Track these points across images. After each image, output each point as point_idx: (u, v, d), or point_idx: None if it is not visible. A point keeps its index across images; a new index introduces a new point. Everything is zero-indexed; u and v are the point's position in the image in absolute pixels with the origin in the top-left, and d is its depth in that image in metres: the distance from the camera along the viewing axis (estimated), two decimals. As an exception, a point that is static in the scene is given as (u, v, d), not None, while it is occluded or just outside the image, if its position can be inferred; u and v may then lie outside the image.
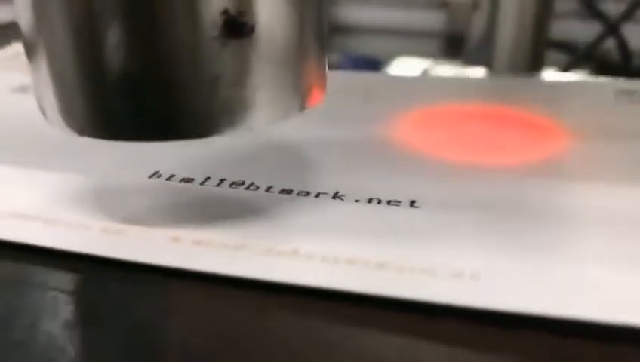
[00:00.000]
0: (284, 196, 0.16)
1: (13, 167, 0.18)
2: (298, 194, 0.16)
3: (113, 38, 0.11)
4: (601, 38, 0.43)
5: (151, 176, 0.17)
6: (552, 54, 0.44)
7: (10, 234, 0.14)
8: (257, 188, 0.16)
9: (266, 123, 0.13)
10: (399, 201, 0.15)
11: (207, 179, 0.17)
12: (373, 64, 0.65)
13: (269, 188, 0.16)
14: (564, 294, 0.11)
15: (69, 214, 0.15)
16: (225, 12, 0.12)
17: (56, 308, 0.12)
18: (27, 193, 0.16)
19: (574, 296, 0.11)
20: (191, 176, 0.17)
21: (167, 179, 0.17)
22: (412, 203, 0.15)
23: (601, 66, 0.46)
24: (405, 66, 0.44)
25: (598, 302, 0.11)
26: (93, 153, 0.18)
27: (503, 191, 0.16)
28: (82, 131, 0.13)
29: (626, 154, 0.19)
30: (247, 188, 0.16)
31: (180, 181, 0.17)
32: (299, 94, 0.14)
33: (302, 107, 0.14)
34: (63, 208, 0.15)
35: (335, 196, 0.16)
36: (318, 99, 0.14)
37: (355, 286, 0.12)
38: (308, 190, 0.16)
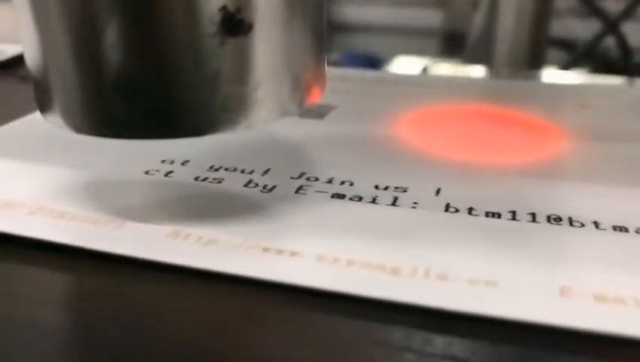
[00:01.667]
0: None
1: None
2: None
3: (111, 35, 0.11)
4: (600, 36, 0.43)
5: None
6: (552, 52, 0.44)
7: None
8: (266, 186, 0.16)
9: (266, 121, 0.13)
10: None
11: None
12: (373, 62, 0.66)
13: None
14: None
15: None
16: (223, 8, 0.12)
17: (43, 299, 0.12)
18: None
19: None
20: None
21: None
22: (265, 186, 0.16)
23: (601, 64, 0.46)
24: (405, 64, 0.43)
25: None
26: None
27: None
28: (80, 129, 0.13)
29: (624, 156, 0.18)
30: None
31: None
32: (298, 92, 0.14)
33: (301, 105, 0.14)
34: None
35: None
36: (317, 98, 0.14)
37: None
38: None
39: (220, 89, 0.12)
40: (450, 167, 0.17)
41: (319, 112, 0.22)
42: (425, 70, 0.38)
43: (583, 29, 0.47)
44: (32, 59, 0.13)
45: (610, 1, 0.45)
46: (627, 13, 0.43)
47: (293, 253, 0.13)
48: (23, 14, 0.12)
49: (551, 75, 0.36)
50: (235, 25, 0.12)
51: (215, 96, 0.12)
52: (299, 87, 0.13)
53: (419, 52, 0.49)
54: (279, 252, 0.13)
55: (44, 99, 0.13)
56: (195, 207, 0.15)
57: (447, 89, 0.27)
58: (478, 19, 0.50)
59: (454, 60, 0.47)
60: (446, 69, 0.39)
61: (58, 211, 0.14)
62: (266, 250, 0.13)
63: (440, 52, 0.84)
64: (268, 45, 0.12)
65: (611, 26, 0.43)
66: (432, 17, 0.94)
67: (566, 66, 0.43)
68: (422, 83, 0.28)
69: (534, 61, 0.38)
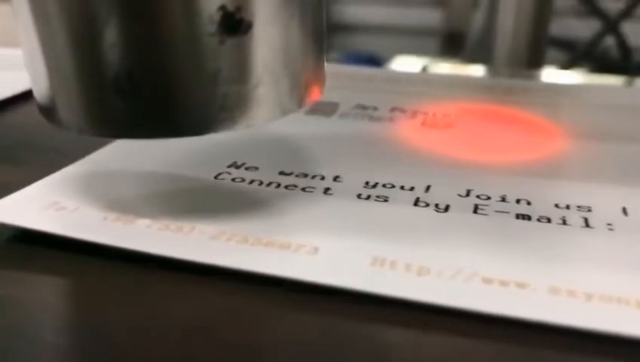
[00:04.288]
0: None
1: None
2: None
3: (110, 34, 0.11)
4: (600, 36, 0.43)
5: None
6: (552, 52, 0.44)
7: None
8: (439, 206, 0.15)
9: (265, 120, 0.13)
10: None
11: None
12: (373, 62, 0.66)
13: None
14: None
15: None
16: (222, 8, 0.12)
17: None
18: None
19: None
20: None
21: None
22: (437, 205, 0.15)
23: (601, 64, 0.46)
24: (405, 64, 0.43)
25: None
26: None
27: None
28: (81, 129, 0.13)
29: (623, 156, 0.18)
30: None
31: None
32: (298, 91, 0.14)
33: (301, 104, 0.14)
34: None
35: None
36: (316, 97, 0.14)
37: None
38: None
39: (219, 88, 0.12)
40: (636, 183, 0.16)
41: (445, 122, 0.21)
42: (425, 70, 0.38)
43: (582, 28, 0.47)
44: (31, 59, 0.13)
45: (610, 1, 0.45)
46: (627, 13, 0.43)
47: (520, 285, 0.12)
48: (22, 14, 0.12)
49: (551, 74, 0.36)
50: (235, 24, 0.12)
51: (215, 95, 0.12)
52: (298, 86, 0.13)
53: (419, 52, 0.49)
54: (504, 283, 0.12)
55: (45, 99, 0.13)
56: (376, 229, 0.14)
57: (444, 87, 0.27)
58: (478, 19, 0.50)
59: (454, 60, 0.47)
60: (446, 68, 0.39)
61: (241, 236, 0.13)
62: (487, 281, 0.12)
63: (440, 52, 0.84)
64: (267, 44, 0.12)
65: (611, 25, 0.43)
66: (432, 17, 0.94)
67: (566, 66, 0.44)
68: (420, 82, 0.28)
69: (534, 61, 0.38)
